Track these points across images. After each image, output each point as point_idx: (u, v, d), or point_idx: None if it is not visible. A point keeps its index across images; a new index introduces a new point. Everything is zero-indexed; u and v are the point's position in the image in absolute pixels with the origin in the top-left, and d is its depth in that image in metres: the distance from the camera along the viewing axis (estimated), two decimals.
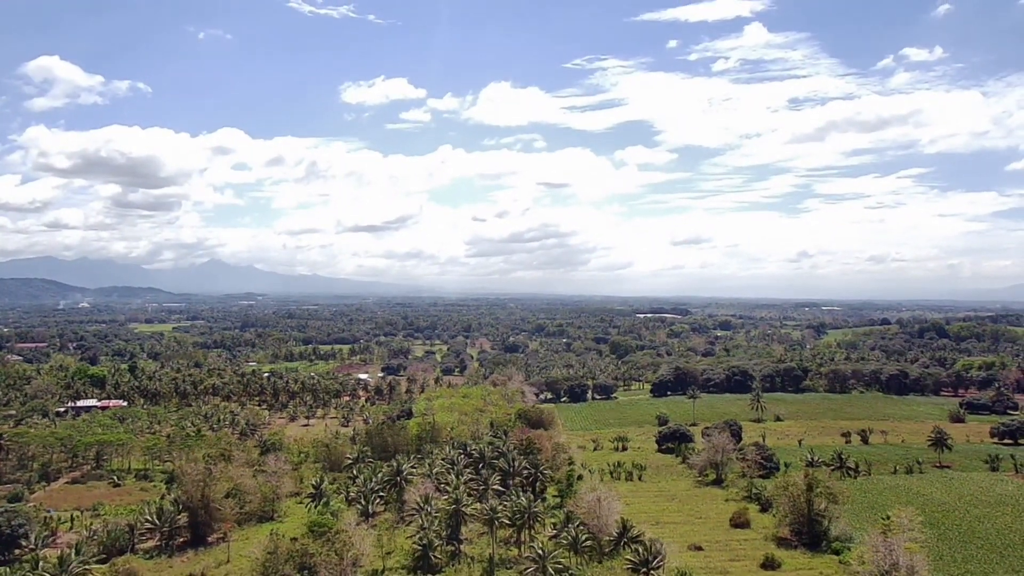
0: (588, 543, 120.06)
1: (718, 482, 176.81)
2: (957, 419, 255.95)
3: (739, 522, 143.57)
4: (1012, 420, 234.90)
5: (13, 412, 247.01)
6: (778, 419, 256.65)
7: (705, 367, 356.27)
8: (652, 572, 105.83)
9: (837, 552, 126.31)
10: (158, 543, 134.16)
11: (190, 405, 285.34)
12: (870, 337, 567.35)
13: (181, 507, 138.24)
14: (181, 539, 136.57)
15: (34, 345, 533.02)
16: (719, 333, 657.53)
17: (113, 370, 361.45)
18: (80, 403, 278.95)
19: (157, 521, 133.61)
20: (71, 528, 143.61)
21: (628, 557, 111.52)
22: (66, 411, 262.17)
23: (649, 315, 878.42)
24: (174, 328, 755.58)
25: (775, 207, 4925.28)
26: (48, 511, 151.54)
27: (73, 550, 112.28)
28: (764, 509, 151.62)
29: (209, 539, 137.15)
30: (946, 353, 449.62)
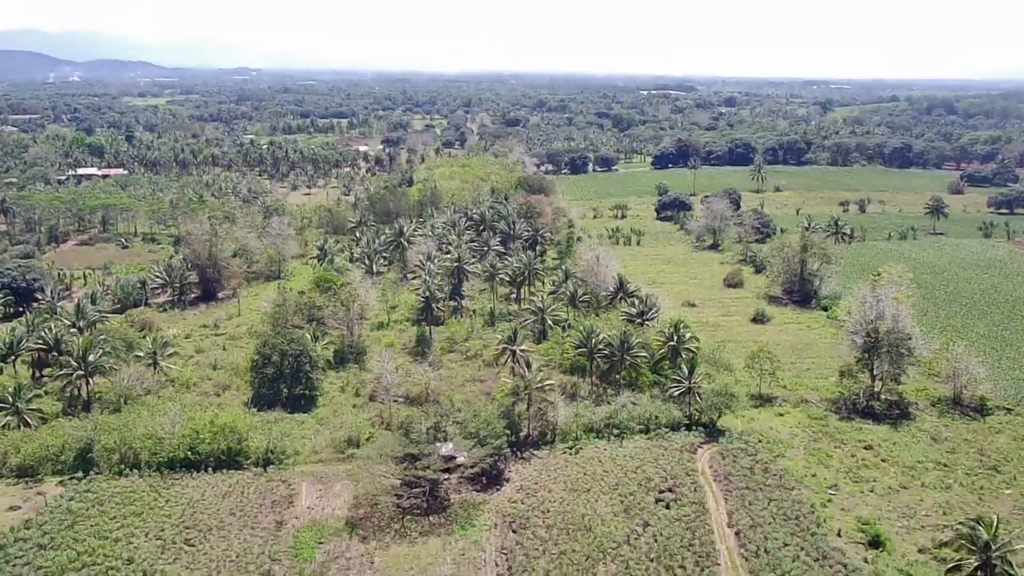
0: (585, 298, 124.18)
1: (715, 247, 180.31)
2: (956, 191, 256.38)
3: (733, 282, 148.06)
4: (1010, 190, 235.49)
5: (14, 180, 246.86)
6: (778, 190, 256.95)
7: (708, 140, 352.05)
8: (647, 323, 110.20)
9: (825, 309, 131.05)
10: (170, 298, 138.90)
11: (190, 174, 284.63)
12: (877, 113, 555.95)
13: (190, 265, 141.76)
14: (192, 295, 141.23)
15: (27, 116, 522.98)
16: (724, 109, 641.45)
17: (111, 139, 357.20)
18: (80, 171, 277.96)
19: (167, 277, 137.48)
20: (84, 284, 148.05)
21: (624, 310, 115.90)
22: (67, 179, 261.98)
23: (653, 91, 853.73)
24: (168, 102, 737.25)
25: None
26: (61, 269, 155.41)
27: (88, 300, 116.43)
28: (758, 271, 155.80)
29: (219, 295, 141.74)
30: (953, 129, 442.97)
